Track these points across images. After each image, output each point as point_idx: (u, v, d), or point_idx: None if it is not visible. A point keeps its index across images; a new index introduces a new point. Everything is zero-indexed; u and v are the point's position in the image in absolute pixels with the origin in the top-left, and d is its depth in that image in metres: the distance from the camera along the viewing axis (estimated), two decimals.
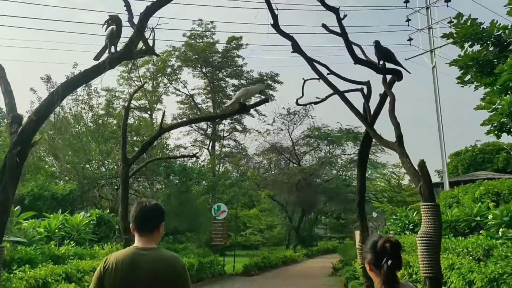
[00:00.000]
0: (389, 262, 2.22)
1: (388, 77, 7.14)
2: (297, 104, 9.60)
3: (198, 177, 16.99)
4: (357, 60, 6.98)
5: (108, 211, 12.92)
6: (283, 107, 39.64)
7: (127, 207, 8.51)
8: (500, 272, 4.83)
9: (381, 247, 2.30)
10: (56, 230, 9.79)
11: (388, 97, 6.92)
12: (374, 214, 18.52)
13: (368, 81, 8.92)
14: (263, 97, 9.53)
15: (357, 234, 19.10)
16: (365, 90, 8.90)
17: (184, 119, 39.76)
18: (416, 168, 5.59)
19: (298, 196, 31.17)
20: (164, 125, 8.54)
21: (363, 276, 8.63)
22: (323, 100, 9.57)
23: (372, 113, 7.87)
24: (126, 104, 8.33)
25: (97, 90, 16.82)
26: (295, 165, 33.40)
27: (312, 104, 9.34)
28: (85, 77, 5.25)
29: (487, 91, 7.46)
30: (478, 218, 8.25)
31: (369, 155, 35.88)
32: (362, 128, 35.62)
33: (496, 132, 5.63)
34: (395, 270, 2.27)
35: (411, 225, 13.98)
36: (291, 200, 31.66)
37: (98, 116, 16.65)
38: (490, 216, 7.12)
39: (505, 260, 5.44)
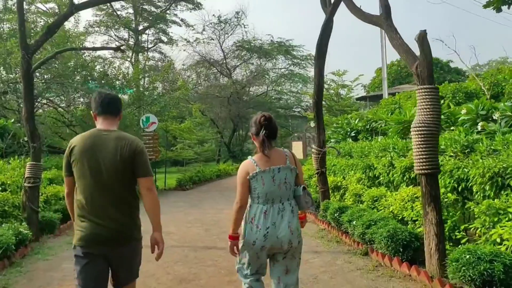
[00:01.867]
0: (264, 131, 2.82)
1: None
2: None
3: (122, 85, 14.97)
4: None
5: (12, 121, 10.82)
6: (213, 15, 36.89)
7: (33, 109, 6.74)
8: (504, 165, 4.07)
9: (258, 120, 2.87)
10: None
11: None
12: (312, 124, 18.03)
13: None
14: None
15: (294, 145, 18.63)
16: None
17: (102, 27, 35.85)
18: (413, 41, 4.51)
19: (230, 110, 30.10)
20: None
21: (318, 182, 7.89)
22: None
23: None
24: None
25: None
26: (226, 78, 31.88)
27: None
28: None
29: None
30: (442, 116, 7.63)
31: (299, 70, 34.23)
32: (294, 41, 34.50)
33: (496, 3, 4.72)
34: (269, 138, 2.85)
35: (353, 133, 13.56)
36: (222, 115, 30.52)
37: None
38: (463, 111, 6.45)
39: (495, 155, 4.76)
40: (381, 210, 5.91)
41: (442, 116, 7.82)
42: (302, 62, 34.94)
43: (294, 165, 2.91)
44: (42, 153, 13.22)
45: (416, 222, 5.03)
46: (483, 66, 58.70)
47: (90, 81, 14.02)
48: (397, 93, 15.81)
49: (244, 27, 30.01)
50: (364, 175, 7.43)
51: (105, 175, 2.52)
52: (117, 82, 14.74)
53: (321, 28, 7.35)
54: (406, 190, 5.39)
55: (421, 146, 4.05)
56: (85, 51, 16.03)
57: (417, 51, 4.35)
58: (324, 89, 20.47)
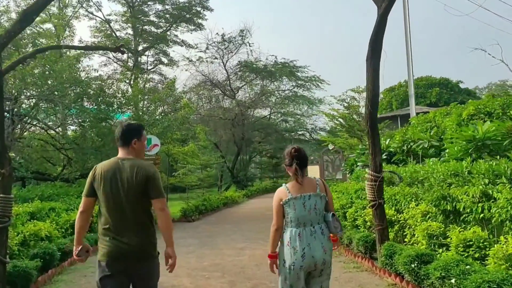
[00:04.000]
0: (296, 161, 3.22)
1: None
2: None
3: (120, 104, 13.36)
4: None
5: None
6: (217, 33, 35.61)
7: (2, 123, 5.06)
8: None
9: (290, 152, 3.26)
10: None
11: None
12: (330, 147, 16.38)
13: None
14: None
15: (310, 169, 16.90)
16: None
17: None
18: None
19: (234, 133, 28.55)
20: None
21: (374, 217, 6.16)
22: None
23: None
24: None
25: None
26: (229, 100, 30.41)
27: None
28: None
29: None
30: None
31: (303, 92, 32.76)
32: (298, 62, 33.28)
33: None
34: (301, 166, 3.23)
35: (384, 155, 11.89)
36: (225, 138, 28.90)
37: None
38: None
39: None
40: (488, 262, 4.18)
41: None
42: (307, 84, 33.76)
43: (324, 192, 3.24)
44: (27, 180, 11.51)
45: None
46: (483, 89, 57.74)
47: (84, 99, 12.40)
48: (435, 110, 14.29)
49: (249, 46, 28.61)
50: (435, 208, 5.71)
51: (124, 198, 2.87)
52: (115, 100, 13.11)
53: (377, 20, 5.80)
54: None
55: None
56: (82, 69, 14.54)
57: None
58: (343, 108, 18.92)
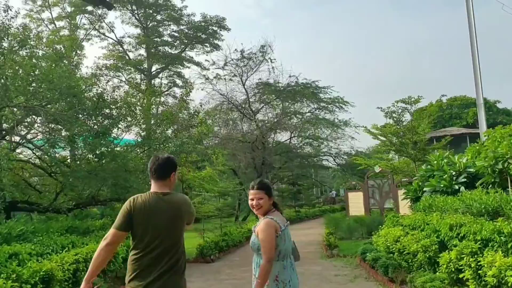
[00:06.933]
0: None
1: None
2: None
3: (125, 117, 10.96)
4: None
5: None
6: (236, 49, 33.60)
7: None
8: None
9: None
10: None
11: None
12: (377, 169, 13.61)
13: None
14: None
15: (351, 196, 14.11)
16: None
17: (111, 70, 32.94)
18: None
19: (254, 157, 26.02)
20: None
21: None
22: None
23: None
24: None
25: None
26: (248, 121, 28.01)
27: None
28: None
29: None
30: None
31: (325, 114, 29.27)
32: (321, 83, 30.85)
33: None
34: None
35: (462, 178, 9.15)
36: (245, 162, 26.35)
37: None
38: None
39: None
40: None
41: None
42: (329, 106, 31.26)
43: None
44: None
45: None
46: None
47: (79, 110, 9.99)
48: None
49: (271, 61, 26.36)
50: None
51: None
52: (120, 112, 10.72)
53: None
54: None
55: None
56: (79, 75, 12.30)
57: None
58: (393, 122, 15.98)
